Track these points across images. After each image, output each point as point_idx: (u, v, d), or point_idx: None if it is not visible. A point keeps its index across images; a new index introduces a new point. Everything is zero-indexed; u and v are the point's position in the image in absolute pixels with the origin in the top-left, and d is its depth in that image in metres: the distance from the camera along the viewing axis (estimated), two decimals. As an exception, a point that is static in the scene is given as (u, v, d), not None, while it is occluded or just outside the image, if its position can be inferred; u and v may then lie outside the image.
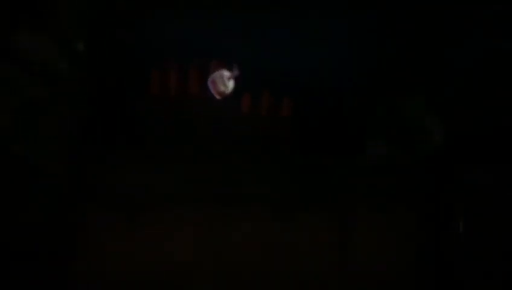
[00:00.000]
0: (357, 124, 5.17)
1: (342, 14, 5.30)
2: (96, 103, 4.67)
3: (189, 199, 4.41)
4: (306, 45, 5.45)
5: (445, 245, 4.41)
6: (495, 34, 4.53)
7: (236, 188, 4.54)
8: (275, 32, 5.40)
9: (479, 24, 4.61)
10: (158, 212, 4.35)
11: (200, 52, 5.01)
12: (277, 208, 4.60)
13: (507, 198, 4.28)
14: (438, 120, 4.75)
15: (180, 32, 5.30)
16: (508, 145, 4.43)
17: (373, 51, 5.12)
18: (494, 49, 4.55)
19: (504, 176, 4.37)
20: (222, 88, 4.80)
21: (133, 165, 4.41)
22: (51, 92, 4.04)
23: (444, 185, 4.55)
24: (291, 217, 4.60)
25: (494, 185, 4.37)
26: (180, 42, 5.22)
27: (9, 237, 3.60)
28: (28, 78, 3.92)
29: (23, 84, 3.90)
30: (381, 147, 4.88)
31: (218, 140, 4.87)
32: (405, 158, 4.79)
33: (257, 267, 4.45)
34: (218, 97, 4.84)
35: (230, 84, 4.80)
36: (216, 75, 4.77)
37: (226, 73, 4.73)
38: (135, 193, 4.35)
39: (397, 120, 4.97)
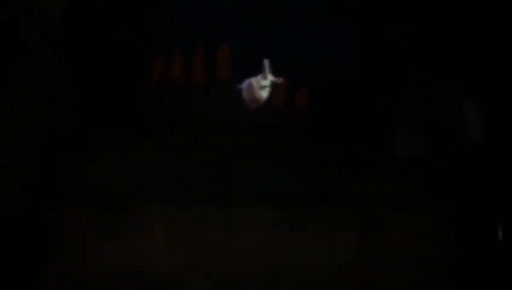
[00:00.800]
0: (382, 113, 4.73)
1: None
2: (82, 91, 4.35)
3: (179, 199, 3.96)
4: (322, 30, 5.19)
5: (483, 251, 4.05)
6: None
7: (237, 187, 4.08)
8: (288, 20, 5.24)
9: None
10: (145, 213, 3.93)
11: (206, 40, 4.92)
12: (286, 208, 4.13)
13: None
14: (477, 109, 4.25)
15: (185, 18, 5.19)
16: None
17: (401, 33, 4.69)
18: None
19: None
20: (258, 95, 4.38)
21: (119, 164, 3.99)
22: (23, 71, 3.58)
23: (482, 184, 4.10)
24: (304, 219, 4.15)
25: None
26: (185, 29, 5.13)
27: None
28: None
29: None
30: (410, 140, 4.38)
31: (223, 133, 4.44)
32: (437, 153, 4.31)
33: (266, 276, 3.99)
34: (250, 104, 4.47)
35: (267, 92, 4.38)
36: (255, 81, 4.39)
37: (266, 80, 4.35)
38: (122, 191, 3.93)
39: (428, 109, 4.44)
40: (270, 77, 4.42)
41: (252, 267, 3.93)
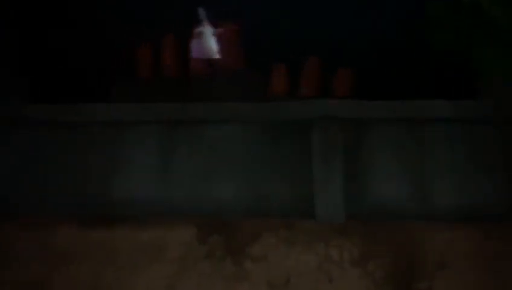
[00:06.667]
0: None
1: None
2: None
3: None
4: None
5: None
6: None
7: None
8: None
9: None
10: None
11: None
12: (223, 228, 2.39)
13: None
14: None
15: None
16: None
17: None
18: None
19: None
20: (209, 46, 4.08)
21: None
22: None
23: None
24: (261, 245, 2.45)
25: None
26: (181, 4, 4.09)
27: None
28: None
29: None
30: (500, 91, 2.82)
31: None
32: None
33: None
34: (205, 57, 3.97)
35: (212, 41, 3.95)
36: (197, 35, 3.98)
37: (202, 27, 3.93)
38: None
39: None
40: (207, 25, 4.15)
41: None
